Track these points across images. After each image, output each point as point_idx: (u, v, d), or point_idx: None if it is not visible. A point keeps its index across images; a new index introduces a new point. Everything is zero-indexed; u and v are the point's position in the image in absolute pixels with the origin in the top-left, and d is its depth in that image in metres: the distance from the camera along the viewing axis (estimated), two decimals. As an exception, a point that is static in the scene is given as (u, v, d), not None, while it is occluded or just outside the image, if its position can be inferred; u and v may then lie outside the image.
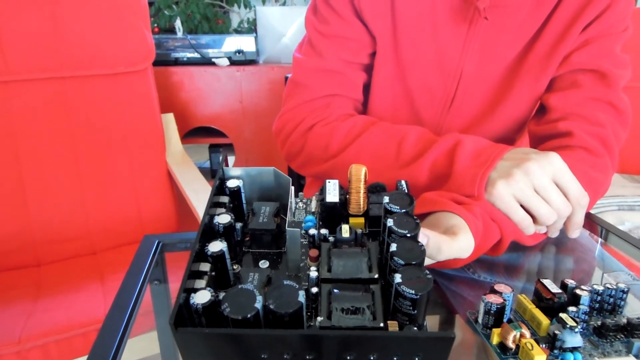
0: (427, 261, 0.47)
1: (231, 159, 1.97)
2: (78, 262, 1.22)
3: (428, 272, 0.34)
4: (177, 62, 1.72)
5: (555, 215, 0.52)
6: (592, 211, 0.72)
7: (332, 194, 0.43)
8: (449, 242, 0.45)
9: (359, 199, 0.42)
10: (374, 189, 0.45)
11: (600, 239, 0.70)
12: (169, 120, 1.45)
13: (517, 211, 0.51)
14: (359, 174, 0.42)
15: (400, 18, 0.64)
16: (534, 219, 0.53)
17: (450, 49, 0.65)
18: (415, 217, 0.38)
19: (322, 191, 0.43)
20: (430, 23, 0.64)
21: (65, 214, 1.23)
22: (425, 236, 0.43)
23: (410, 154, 0.58)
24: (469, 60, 0.65)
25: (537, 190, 0.51)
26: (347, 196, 0.43)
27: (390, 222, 0.37)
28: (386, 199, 0.40)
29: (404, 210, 0.39)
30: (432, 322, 0.52)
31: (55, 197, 1.21)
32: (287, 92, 0.71)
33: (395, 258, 0.34)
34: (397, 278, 0.33)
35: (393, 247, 0.35)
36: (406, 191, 0.42)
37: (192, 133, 1.77)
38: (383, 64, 0.68)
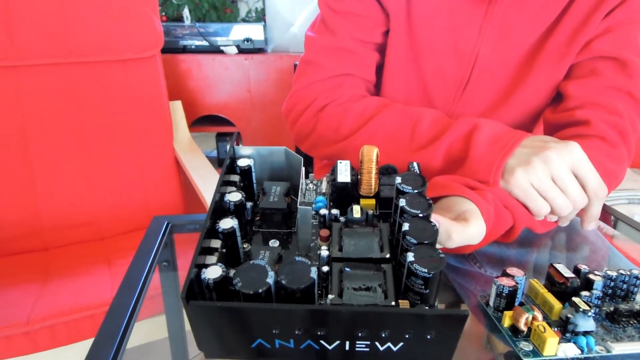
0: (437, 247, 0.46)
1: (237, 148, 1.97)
2: (85, 247, 1.22)
3: (441, 251, 0.33)
4: (185, 50, 1.71)
5: (571, 206, 0.51)
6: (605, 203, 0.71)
7: (344, 175, 0.42)
8: (459, 230, 0.44)
9: (370, 180, 0.42)
10: (385, 171, 0.45)
11: (613, 230, 0.69)
12: (177, 108, 1.44)
13: (535, 200, 0.51)
14: (371, 154, 0.42)
15: None
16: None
17: (466, 30, 0.64)
18: (427, 198, 0.38)
19: (333, 171, 0.43)
20: (447, 2, 0.63)
21: (73, 199, 1.23)
22: (436, 222, 0.43)
23: (425, 138, 0.57)
24: (485, 43, 0.64)
25: (555, 180, 0.50)
26: (359, 177, 0.42)
27: (402, 202, 0.37)
28: (398, 180, 0.39)
29: (417, 191, 0.38)
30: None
31: (63, 182, 1.22)
32: (298, 72, 0.70)
33: (408, 237, 0.34)
34: (410, 257, 0.32)
35: (405, 226, 0.35)
36: (418, 172, 0.42)
37: (199, 121, 1.77)
38: (396, 45, 0.66)
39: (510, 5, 0.61)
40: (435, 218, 0.42)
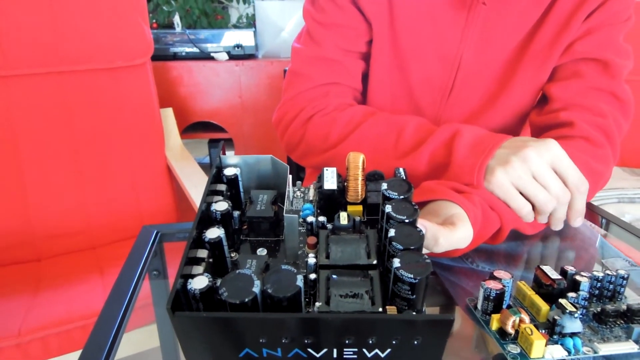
0: (424, 252, 0.46)
1: (230, 154, 1.97)
2: (78, 257, 1.22)
3: (426, 256, 0.33)
4: (175, 57, 1.71)
5: (554, 201, 0.52)
6: (593, 203, 0.72)
7: (330, 182, 0.43)
8: (446, 234, 0.44)
9: (357, 187, 0.42)
10: (372, 177, 0.45)
11: (601, 229, 0.70)
12: (168, 115, 1.44)
13: (516, 198, 0.51)
14: (357, 161, 0.42)
15: (397, 5, 0.64)
16: (533, 207, 0.52)
17: (449, 35, 0.65)
18: (413, 203, 0.38)
19: (320, 179, 0.43)
20: (429, 9, 0.64)
21: (65, 208, 1.23)
22: (423, 227, 0.43)
23: (409, 144, 0.58)
24: (468, 48, 0.65)
25: (536, 176, 0.51)
26: (345, 184, 0.42)
27: (388, 208, 0.37)
28: (384, 186, 0.39)
29: (402, 197, 0.39)
30: (431, 313, 0.52)
31: (54, 192, 1.21)
32: (286, 82, 0.71)
33: (394, 243, 0.34)
34: (396, 262, 0.33)
35: (392, 232, 0.35)
36: (404, 178, 0.42)
37: (191, 128, 1.77)
38: (381, 53, 0.67)
39: (491, 10, 0.62)
40: (422, 223, 0.42)
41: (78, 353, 1.00)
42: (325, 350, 0.32)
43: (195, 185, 1.19)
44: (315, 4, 0.67)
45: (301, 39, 0.70)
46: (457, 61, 0.66)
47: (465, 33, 0.64)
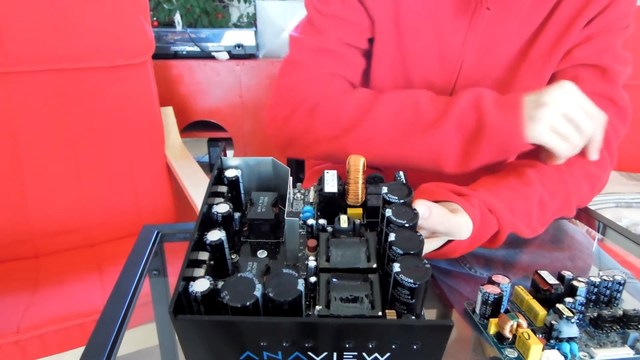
0: (427, 244, 0.47)
1: (230, 154, 1.97)
2: (76, 254, 1.21)
3: (426, 261, 0.34)
4: (176, 56, 1.71)
5: (585, 137, 0.53)
6: (590, 207, 0.72)
7: (331, 185, 0.43)
8: (449, 216, 0.46)
9: (357, 190, 0.42)
10: (372, 180, 0.46)
11: (598, 234, 0.70)
12: (168, 114, 1.44)
13: (560, 142, 0.52)
14: (357, 164, 0.42)
15: (403, 7, 0.64)
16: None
17: (451, 39, 0.65)
18: (413, 208, 0.38)
19: (321, 181, 0.44)
20: (433, 12, 0.64)
21: (64, 206, 1.23)
22: (427, 208, 0.44)
23: (431, 116, 0.57)
24: (469, 52, 0.65)
25: (566, 117, 0.52)
26: (346, 187, 0.43)
27: (388, 212, 0.37)
28: (384, 190, 0.40)
29: (402, 201, 0.39)
30: (428, 316, 0.52)
31: (54, 189, 1.21)
32: (282, 73, 0.68)
33: (394, 247, 0.35)
34: (396, 267, 0.33)
35: (392, 236, 0.35)
36: (404, 182, 0.42)
37: (191, 127, 1.77)
38: (384, 53, 0.67)
39: (494, 16, 0.62)
40: (427, 204, 0.43)
41: (76, 351, 1.00)
42: (325, 353, 0.32)
43: (194, 184, 1.19)
44: None
45: (300, 29, 0.68)
46: (459, 65, 0.66)
47: (468, 37, 0.64)
